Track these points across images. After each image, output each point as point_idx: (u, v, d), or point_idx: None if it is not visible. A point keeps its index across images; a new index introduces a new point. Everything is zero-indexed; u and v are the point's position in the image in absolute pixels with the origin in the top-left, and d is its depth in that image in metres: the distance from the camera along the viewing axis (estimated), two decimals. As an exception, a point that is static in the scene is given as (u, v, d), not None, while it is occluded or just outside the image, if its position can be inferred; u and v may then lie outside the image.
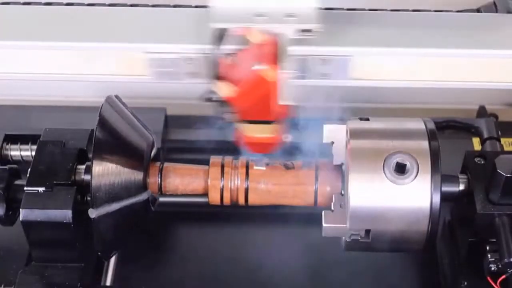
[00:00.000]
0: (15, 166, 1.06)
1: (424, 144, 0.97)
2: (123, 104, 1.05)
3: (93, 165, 0.96)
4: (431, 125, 1.00)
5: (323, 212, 0.98)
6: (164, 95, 1.34)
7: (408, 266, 1.14)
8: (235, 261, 1.16)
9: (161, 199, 1.05)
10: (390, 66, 1.00)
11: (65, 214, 0.98)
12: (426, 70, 1.01)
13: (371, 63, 1.00)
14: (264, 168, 1.03)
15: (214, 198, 1.04)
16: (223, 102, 0.94)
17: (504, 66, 1.01)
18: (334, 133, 1.02)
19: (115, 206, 0.96)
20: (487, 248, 0.98)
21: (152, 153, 1.04)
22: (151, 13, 1.06)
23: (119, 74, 1.03)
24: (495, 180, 0.96)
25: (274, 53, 0.92)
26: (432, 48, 1.00)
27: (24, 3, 1.07)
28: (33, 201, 0.98)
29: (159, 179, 1.03)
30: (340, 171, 1.02)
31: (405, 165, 0.95)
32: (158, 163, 1.05)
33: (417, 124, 1.00)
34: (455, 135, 1.25)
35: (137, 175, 1.00)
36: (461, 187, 1.01)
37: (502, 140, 1.19)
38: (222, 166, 1.04)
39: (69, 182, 1.00)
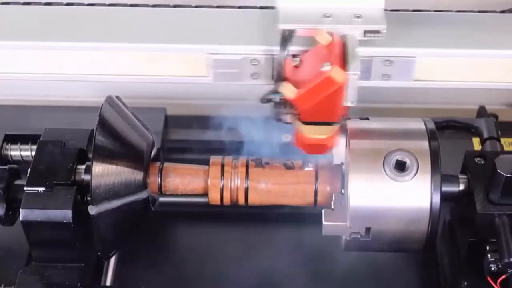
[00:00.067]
0: (15, 166, 1.06)
1: (424, 144, 0.97)
2: (123, 104, 1.05)
3: (93, 165, 0.96)
4: (431, 125, 1.00)
5: (323, 211, 0.98)
6: (164, 95, 1.34)
7: (408, 266, 1.14)
8: (235, 261, 1.16)
9: (161, 199, 1.05)
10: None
11: (65, 214, 0.98)
12: (426, 70, 1.01)
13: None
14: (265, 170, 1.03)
15: (214, 197, 1.04)
16: (284, 103, 0.94)
17: (504, 66, 1.01)
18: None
19: (115, 203, 0.96)
20: (487, 248, 0.98)
21: (152, 153, 1.04)
22: (151, 13, 1.06)
23: (120, 74, 1.03)
24: (495, 180, 0.96)
25: (342, 54, 0.92)
26: (432, 48, 1.00)
27: (24, 3, 1.07)
28: (33, 201, 0.98)
29: (159, 179, 1.03)
30: (340, 170, 1.02)
31: (405, 163, 0.95)
32: (158, 163, 1.05)
33: (417, 124, 1.00)
34: (455, 135, 1.25)
35: (137, 175, 1.00)
36: (461, 187, 1.01)
37: (502, 140, 1.19)
38: (222, 166, 1.04)
39: (69, 182, 1.00)
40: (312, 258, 1.14)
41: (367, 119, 1.02)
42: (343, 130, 1.00)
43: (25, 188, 0.99)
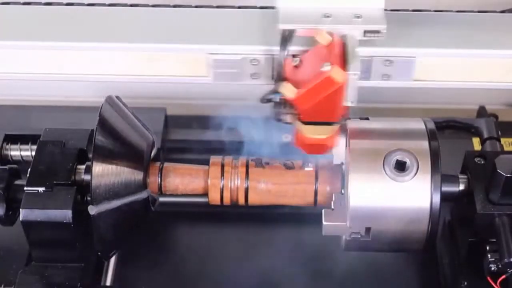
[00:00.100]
0: (15, 166, 1.06)
1: (424, 144, 0.97)
2: (123, 104, 1.05)
3: (93, 165, 0.96)
4: (431, 125, 1.00)
5: (323, 211, 0.98)
6: (164, 95, 1.34)
7: (408, 266, 1.14)
8: (235, 261, 1.16)
9: (161, 199, 1.05)
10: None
11: (65, 214, 0.98)
12: (427, 70, 1.01)
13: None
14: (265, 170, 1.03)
15: (214, 197, 1.04)
16: (284, 103, 0.94)
17: (504, 66, 1.01)
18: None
19: (115, 203, 0.96)
20: (487, 248, 0.98)
21: (152, 153, 1.04)
22: (151, 13, 1.06)
23: (120, 74, 1.03)
24: (495, 180, 0.96)
25: (342, 54, 0.92)
26: (432, 48, 1.00)
27: (24, 3, 1.07)
28: (33, 201, 0.98)
29: (159, 179, 1.03)
30: (340, 170, 1.02)
31: (405, 163, 0.95)
32: (158, 163, 1.05)
33: (417, 124, 1.00)
34: (455, 135, 1.25)
35: (137, 175, 1.00)
36: (461, 187, 1.01)
37: (502, 140, 1.19)
38: (222, 166, 1.04)
39: (69, 182, 1.00)
40: (312, 258, 1.14)
41: (367, 119, 1.02)
42: (343, 130, 1.00)
43: (25, 188, 0.99)
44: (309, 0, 0.96)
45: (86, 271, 1.04)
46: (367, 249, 1.01)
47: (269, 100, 0.94)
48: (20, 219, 0.98)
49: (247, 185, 1.03)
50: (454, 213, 1.09)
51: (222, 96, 1.23)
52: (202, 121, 1.27)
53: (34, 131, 1.12)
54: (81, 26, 1.03)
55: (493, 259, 0.97)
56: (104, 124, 0.99)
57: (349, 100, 0.93)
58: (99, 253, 1.03)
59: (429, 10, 1.08)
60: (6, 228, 1.04)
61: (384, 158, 0.96)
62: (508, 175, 0.95)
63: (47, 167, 1.01)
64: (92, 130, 1.01)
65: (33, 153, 1.05)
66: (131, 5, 1.08)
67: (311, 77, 0.90)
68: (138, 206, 1.00)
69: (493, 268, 0.97)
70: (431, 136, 0.98)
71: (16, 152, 1.16)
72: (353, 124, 1.00)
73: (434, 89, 1.05)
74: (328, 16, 0.95)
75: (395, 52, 0.98)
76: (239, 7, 1.06)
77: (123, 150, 1.00)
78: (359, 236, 0.97)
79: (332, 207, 0.99)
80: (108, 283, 1.11)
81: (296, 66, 0.94)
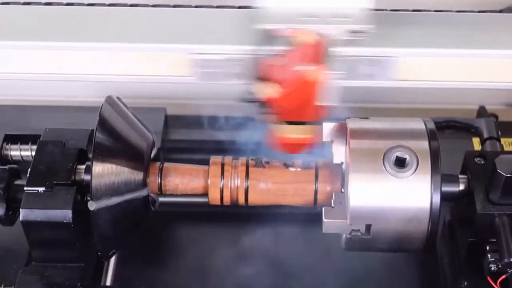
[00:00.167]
0: (15, 166, 1.06)
1: (424, 144, 0.97)
2: (123, 104, 1.05)
3: (93, 165, 0.96)
4: (431, 125, 1.00)
5: (323, 208, 0.98)
6: (164, 95, 1.34)
7: (408, 266, 1.14)
8: (235, 261, 1.16)
9: (161, 199, 1.05)
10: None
11: (65, 214, 0.98)
12: (426, 70, 1.01)
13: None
14: (265, 169, 1.04)
15: (214, 197, 1.03)
16: (262, 103, 0.94)
17: (504, 66, 1.01)
18: (334, 132, 1.02)
19: (114, 200, 0.96)
20: (487, 248, 0.98)
21: (153, 153, 1.04)
22: (151, 13, 1.06)
23: (120, 74, 1.03)
24: (495, 180, 0.96)
25: (320, 54, 0.92)
26: (432, 48, 1.00)
27: (24, 3, 1.07)
28: (33, 201, 0.98)
29: (159, 179, 1.03)
30: (340, 169, 1.02)
31: (405, 159, 0.95)
32: (158, 163, 1.05)
33: (417, 124, 1.00)
34: (455, 135, 1.25)
35: (137, 175, 1.00)
36: (461, 187, 1.01)
37: (502, 140, 1.19)
38: (222, 165, 1.04)
39: (69, 182, 1.00)
40: (312, 258, 1.14)
41: (367, 118, 1.02)
42: (343, 129, 1.00)
43: (25, 188, 0.99)
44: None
45: (86, 271, 1.04)
46: (367, 249, 1.01)
47: (250, 100, 0.94)
48: (20, 219, 0.98)
49: (247, 185, 1.03)
50: (454, 213, 1.09)
51: (222, 96, 1.23)
52: (202, 121, 1.27)
53: (34, 131, 1.12)
54: (81, 26, 1.03)
55: (493, 259, 0.97)
56: (104, 124, 0.99)
57: (330, 100, 0.93)
58: (99, 253, 1.03)
59: (429, 10, 1.08)
60: (6, 228, 1.04)
61: (384, 154, 0.96)
62: (508, 175, 0.95)
63: (47, 167, 1.01)
64: (92, 130, 1.01)
65: (33, 153, 1.05)
66: (131, 5, 1.08)
67: (291, 76, 0.90)
68: (138, 204, 1.00)
69: (493, 268, 0.97)
70: (431, 136, 0.98)
71: (16, 152, 1.16)
72: (353, 123, 1.00)
73: (434, 89, 1.05)
74: (309, 16, 0.95)
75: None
76: (239, 7, 1.06)
77: (123, 150, 1.00)
78: (360, 234, 0.97)
79: (332, 205, 0.99)
80: (108, 283, 1.11)
81: (277, 66, 0.94)
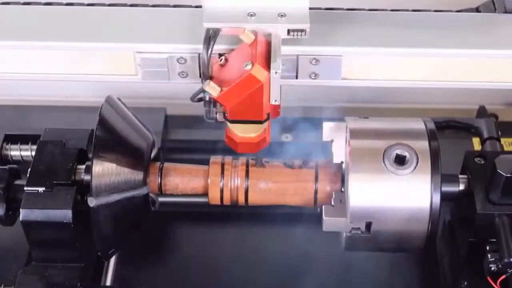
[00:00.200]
0: (15, 166, 1.06)
1: (424, 144, 0.97)
2: (123, 104, 1.05)
3: (93, 165, 0.96)
4: (431, 125, 1.00)
5: (323, 206, 0.99)
6: (164, 95, 1.34)
7: (408, 266, 1.14)
8: (235, 261, 1.16)
9: (161, 199, 1.05)
10: (388, 66, 1.01)
11: (65, 214, 0.98)
12: (426, 70, 1.01)
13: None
14: (265, 168, 1.04)
15: (214, 196, 1.03)
16: (213, 102, 0.95)
17: (504, 66, 1.01)
18: (334, 131, 1.02)
19: (114, 197, 0.96)
20: (487, 248, 0.98)
21: (153, 153, 1.04)
22: (151, 13, 1.06)
23: (117, 74, 1.03)
24: (495, 180, 0.96)
25: (266, 53, 0.92)
26: (432, 48, 1.00)
27: (24, 3, 1.07)
28: (33, 201, 0.98)
29: (159, 178, 1.03)
30: (340, 169, 1.02)
31: (404, 157, 0.95)
32: (158, 163, 1.05)
33: (417, 124, 1.00)
34: (455, 135, 1.25)
35: (137, 175, 1.00)
36: (461, 187, 1.01)
37: (502, 140, 1.19)
38: (222, 165, 1.04)
39: (69, 182, 1.00)
40: (312, 258, 1.14)
41: (367, 119, 1.02)
42: (343, 129, 1.00)
43: (25, 188, 0.99)
44: (235, -2, 0.96)
45: (86, 271, 1.04)
46: (367, 248, 1.01)
47: (200, 99, 0.95)
48: (20, 219, 0.98)
49: (247, 184, 1.03)
50: (454, 213, 1.09)
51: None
52: (202, 121, 1.27)
53: (34, 131, 1.12)
54: (81, 26, 1.03)
55: (493, 259, 0.97)
56: (104, 124, 0.99)
57: (273, 99, 0.93)
58: (99, 253, 1.03)
59: (429, 10, 1.08)
60: (6, 228, 1.04)
61: (384, 152, 0.96)
62: (508, 175, 0.95)
63: (47, 167, 1.01)
64: (92, 130, 1.01)
65: (33, 153, 1.05)
66: (131, 5, 1.08)
67: (235, 75, 0.91)
68: (138, 203, 1.00)
69: (493, 268, 0.97)
70: (431, 136, 0.98)
71: (16, 152, 1.16)
72: (353, 123, 1.00)
73: (434, 89, 1.05)
74: (252, 15, 0.95)
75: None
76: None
77: (123, 150, 1.00)
78: (360, 232, 0.97)
79: (332, 203, 0.99)
80: (108, 283, 1.11)
81: (221, 65, 0.94)
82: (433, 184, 0.95)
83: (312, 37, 0.95)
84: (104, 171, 0.96)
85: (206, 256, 1.17)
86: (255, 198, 1.04)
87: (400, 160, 0.95)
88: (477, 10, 1.07)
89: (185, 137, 1.31)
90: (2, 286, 1.04)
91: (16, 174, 1.05)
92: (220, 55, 0.96)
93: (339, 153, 1.02)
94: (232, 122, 0.97)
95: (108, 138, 0.98)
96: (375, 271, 1.12)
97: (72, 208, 0.98)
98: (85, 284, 1.03)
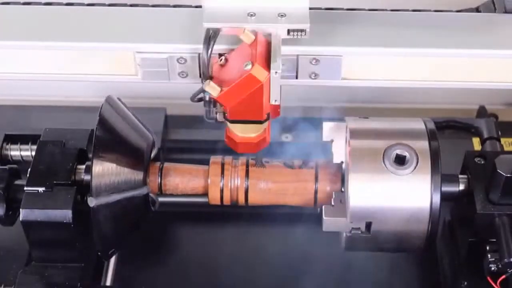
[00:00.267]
0: (15, 166, 1.06)
1: (424, 144, 0.97)
2: (123, 104, 1.05)
3: (93, 165, 0.96)
4: (431, 125, 1.00)
5: (323, 206, 0.99)
6: (164, 95, 1.34)
7: (408, 266, 1.14)
8: (235, 261, 1.16)
9: (161, 199, 1.05)
10: (388, 66, 1.01)
11: (65, 214, 0.98)
12: (426, 70, 1.01)
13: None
14: (265, 168, 1.04)
15: (214, 196, 1.03)
16: (213, 102, 0.95)
17: (504, 66, 1.01)
18: (334, 131, 1.02)
19: (114, 197, 0.96)
20: (487, 248, 0.98)
21: (153, 154, 1.04)
22: (151, 13, 1.06)
23: (117, 74, 1.03)
24: (495, 180, 0.96)
25: (266, 53, 0.92)
26: (432, 48, 1.00)
27: (24, 3, 1.07)
28: (33, 201, 0.98)
29: (159, 178, 1.03)
30: (340, 169, 1.02)
31: (404, 157, 0.95)
32: (158, 163, 1.05)
33: (417, 124, 1.00)
34: (455, 135, 1.25)
35: (137, 175, 1.00)
36: (461, 187, 1.01)
37: (502, 140, 1.19)
38: (222, 165, 1.04)
39: (69, 182, 1.00)
40: (312, 258, 1.14)
41: (367, 118, 1.02)
42: (343, 128, 1.00)
43: (25, 188, 0.99)
44: (235, -2, 0.96)
45: (86, 271, 1.04)
46: (367, 249, 1.01)
47: (199, 99, 0.95)
48: (20, 219, 0.98)
49: (247, 184, 1.03)
50: (454, 213, 1.09)
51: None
52: (202, 121, 1.27)
53: (34, 131, 1.12)
54: (81, 26, 1.03)
55: (493, 259, 0.97)
56: (104, 124, 0.99)
57: (273, 99, 0.93)
58: (99, 253, 1.03)
59: (429, 10, 1.08)
60: (6, 228, 1.04)
61: (384, 152, 0.96)
62: (508, 175, 0.95)
63: (47, 167, 1.01)
64: (92, 130, 1.01)
65: (33, 153, 1.05)
66: (131, 5, 1.08)
67: (235, 75, 0.91)
68: (138, 203, 1.00)
69: (493, 268, 0.97)
70: (431, 136, 0.98)
71: (16, 152, 1.16)
72: (353, 123, 1.00)
73: (434, 89, 1.05)
74: (252, 15, 0.95)
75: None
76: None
77: (123, 150, 1.00)
78: (360, 232, 0.97)
79: (332, 203, 0.99)
80: (108, 283, 1.11)
81: (221, 65, 0.94)
82: (433, 184, 0.95)
83: (312, 37, 0.95)
84: (104, 171, 0.96)
85: (206, 256, 1.17)
86: (255, 198, 1.04)
87: (400, 160, 0.95)
88: (477, 10, 1.07)
89: (185, 137, 1.31)
90: (2, 286, 1.04)
91: (16, 174, 1.05)
92: (220, 55, 0.96)
93: (339, 153, 1.02)
94: (232, 122, 0.97)
95: (108, 138, 0.98)
96: (375, 271, 1.12)
97: (72, 208, 0.98)
98: (85, 284, 1.03)
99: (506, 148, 1.22)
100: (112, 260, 1.13)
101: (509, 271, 0.95)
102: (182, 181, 1.04)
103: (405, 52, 1.00)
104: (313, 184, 1.02)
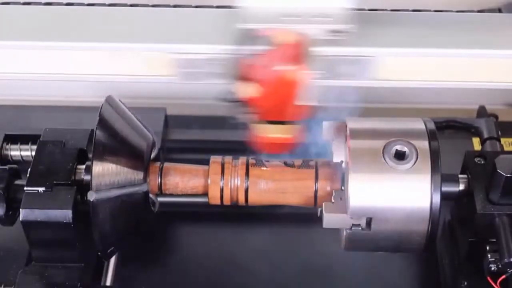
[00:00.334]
0: (15, 166, 1.06)
1: (424, 143, 0.97)
2: (123, 104, 1.05)
3: (93, 165, 0.96)
4: (431, 125, 1.00)
5: (323, 204, 0.98)
6: (164, 95, 1.34)
7: (408, 266, 1.14)
8: (235, 261, 1.16)
9: (161, 199, 1.05)
10: (388, 66, 1.01)
11: (65, 214, 0.98)
12: (426, 70, 1.01)
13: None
14: (265, 168, 1.04)
15: (214, 196, 1.03)
16: (242, 103, 0.94)
17: (504, 66, 1.01)
18: (334, 131, 1.02)
19: (114, 192, 0.96)
20: (487, 248, 0.98)
21: (153, 154, 1.04)
22: (151, 13, 1.06)
23: (117, 74, 1.03)
24: (495, 180, 0.96)
25: (299, 54, 0.92)
26: (432, 48, 1.00)
27: (24, 3, 1.07)
28: (33, 201, 0.98)
29: (159, 178, 1.03)
30: (340, 168, 1.02)
31: (404, 152, 0.95)
32: (158, 163, 1.05)
33: (417, 124, 1.00)
34: (455, 135, 1.25)
35: (137, 175, 1.00)
36: (461, 187, 1.01)
37: (502, 140, 1.19)
38: (222, 165, 1.04)
39: (69, 182, 1.00)
40: (312, 258, 1.14)
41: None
42: (343, 128, 1.00)
43: (25, 188, 0.99)
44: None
45: (86, 271, 1.04)
46: (367, 248, 1.01)
47: (231, 100, 0.94)
48: (20, 219, 0.98)
49: (247, 184, 1.03)
50: (454, 213, 1.09)
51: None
52: (202, 121, 1.27)
53: (34, 131, 1.12)
54: (81, 26, 1.03)
55: (493, 259, 0.97)
56: (104, 124, 0.99)
57: (309, 99, 0.93)
58: (99, 253, 1.02)
59: (429, 10, 1.08)
60: (6, 228, 1.04)
61: (384, 148, 0.96)
62: (508, 175, 0.95)
63: (47, 167, 1.01)
64: (92, 130, 1.01)
65: (33, 153, 1.05)
66: (131, 5, 1.08)
67: (271, 76, 0.90)
68: (138, 200, 0.99)
69: (493, 268, 0.97)
70: (431, 136, 0.98)
71: (16, 152, 1.16)
72: (353, 122, 1.00)
73: (434, 89, 1.05)
74: (290, 16, 0.95)
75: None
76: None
77: (123, 150, 1.00)
78: (360, 229, 0.97)
79: (332, 200, 0.99)
80: (108, 283, 1.11)
81: (256, 66, 0.94)
82: (433, 184, 0.95)
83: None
84: (104, 171, 0.96)
85: (206, 256, 1.17)
86: (255, 198, 1.04)
87: (400, 156, 0.95)
88: (499, 11, 1.07)
89: (185, 137, 1.31)
90: (2, 286, 1.04)
91: (16, 174, 1.05)
92: (256, 55, 0.96)
93: (339, 152, 1.02)
94: (266, 122, 0.96)
95: (108, 138, 0.98)
96: (375, 271, 1.12)
97: (72, 208, 0.98)
98: (85, 284, 1.03)
99: (506, 148, 1.22)
100: (112, 260, 1.13)
101: (509, 271, 0.95)
102: (182, 180, 1.04)
103: (405, 52, 1.00)
104: (313, 183, 1.02)
